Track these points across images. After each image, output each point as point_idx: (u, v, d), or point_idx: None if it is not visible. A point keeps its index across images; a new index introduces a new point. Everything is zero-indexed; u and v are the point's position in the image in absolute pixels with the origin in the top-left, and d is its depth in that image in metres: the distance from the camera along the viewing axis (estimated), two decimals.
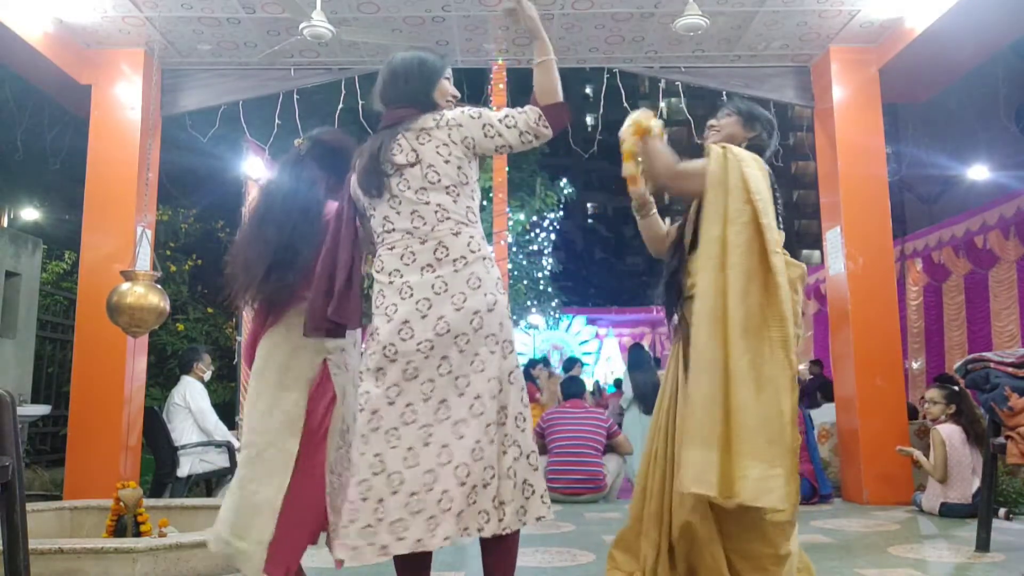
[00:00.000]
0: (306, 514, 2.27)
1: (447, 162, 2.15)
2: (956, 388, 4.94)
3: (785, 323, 2.29)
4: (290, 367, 2.34)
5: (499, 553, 2.12)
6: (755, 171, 2.41)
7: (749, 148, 2.58)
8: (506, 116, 2.20)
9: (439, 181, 2.14)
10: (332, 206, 2.42)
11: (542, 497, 2.14)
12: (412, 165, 2.14)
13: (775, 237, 2.34)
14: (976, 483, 4.44)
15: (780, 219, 2.48)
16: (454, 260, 2.11)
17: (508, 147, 2.20)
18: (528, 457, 2.14)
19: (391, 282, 2.13)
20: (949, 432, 4.66)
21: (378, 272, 2.19)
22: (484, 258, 2.15)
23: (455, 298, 2.08)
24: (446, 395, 2.06)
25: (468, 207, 2.18)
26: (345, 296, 2.17)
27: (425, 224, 2.13)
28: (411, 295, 2.09)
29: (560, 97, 2.21)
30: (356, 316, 2.19)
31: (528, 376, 9.58)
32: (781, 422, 2.23)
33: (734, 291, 2.30)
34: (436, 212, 2.14)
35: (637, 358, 7.24)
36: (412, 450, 2.02)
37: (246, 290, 2.36)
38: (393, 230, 2.17)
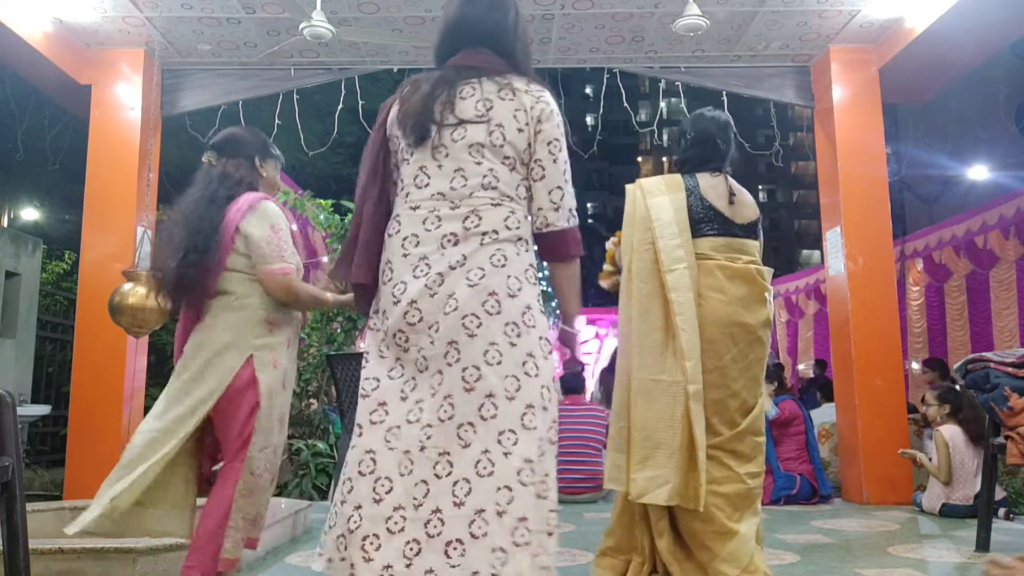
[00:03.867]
0: (211, 518, 2.38)
1: (520, 131, 1.81)
2: (949, 386, 4.92)
3: (680, 334, 2.54)
4: (212, 363, 2.42)
5: None
6: (658, 197, 2.73)
7: (679, 163, 2.91)
8: (568, 171, 1.89)
9: (502, 146, 1.79)
10: (246, 196, 2.54)
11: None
12: (479, 119, 1.80)
13: (672, 255, 2.62)
14: (979, 484, 4.44)
15: (717, 224, 2.72)
16: (483, 233, 1.74)
17: (543, 175, 1.84)
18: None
19: (405, 254, 1.77)
20: (952, 433, 4.64)
21: (391, 236, 1.83)
22: (519, 239, 1.79)
23: (471, 273, 1.71)
24: (451, 390, 1.68)
25: (522, 182, 1.83)
26: (360, 252, 1.87)
27: (465, 186, 1.77)
28: (426, 272, 1.74)
29: (572, 254, 1.93)
30: (371, 276, 1.87)
31: None
32: (672, 426, 2.52)
33: (636, 313, 2.65)
34: (484, 177, 1.77)
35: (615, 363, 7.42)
36: (408, 454, 1.68)
37: (167, 283, 2.49)
38: (426, 186, 1.80)
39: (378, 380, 1.78)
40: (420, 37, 5.33)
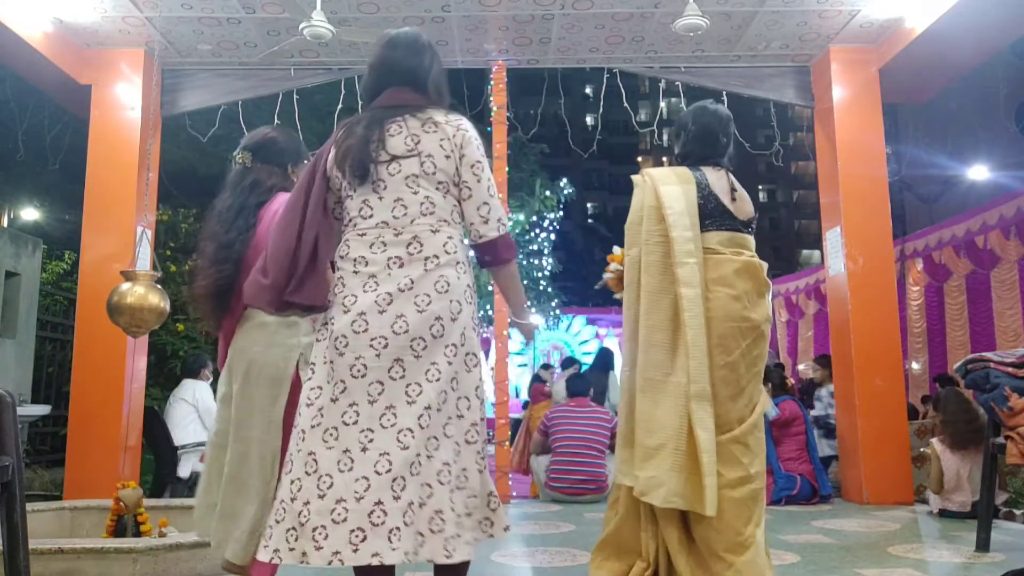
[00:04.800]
0: None
1: (447, 157, 2.04)
2: (938, 393, 4.91)
3: (688, 331, 2.48)
4: (273, 361, 2.40)
5: None
6: (671, 187, 2.64)
7: (679, 157, 2.85)
8: (493, 186, 2.10)
9: (433, 174, 2.03)
10: (279, 198, 2.48)
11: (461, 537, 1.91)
12: (409, 153, 2.03)
13: (685, 248, 2.54)
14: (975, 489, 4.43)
15: (721, 218, 2.67)
16: (426, 259, 1.98)
17: (470, 195, 2.06)
18: (482, 474, 2.03)
19: (355, 271, 2.00)
20: (943, 447, 4.64)
21: (342, 258, 2.04)
22: (458, 263, 2.02)
23: (419, 299, 1.95)
24: (394, 401, 1.90)
25: (455, 207, 2.07)
26: (308, 275, 2.03)
27: (406, 215, 2.00)
28: (375, 288, 1.96)
29: (501, 259, 2.11)
30: (320, 296, 2.04)
31: (537, 377, 9.64)
32: (675, 426, 2.45)
33: (644, 308, 2.57)
34: (422, 204, 2.01)
35: (604, 361, 7.30)
36: (348, 453, 1.87)
37: (198, 295, 2.45)
38: (371, 216, 2.02)
39: (320, 388, 1.97)
40: None
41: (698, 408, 2.44)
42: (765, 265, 2.75)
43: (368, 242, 2.01)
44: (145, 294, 4.04)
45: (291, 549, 1.84)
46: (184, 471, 5.07)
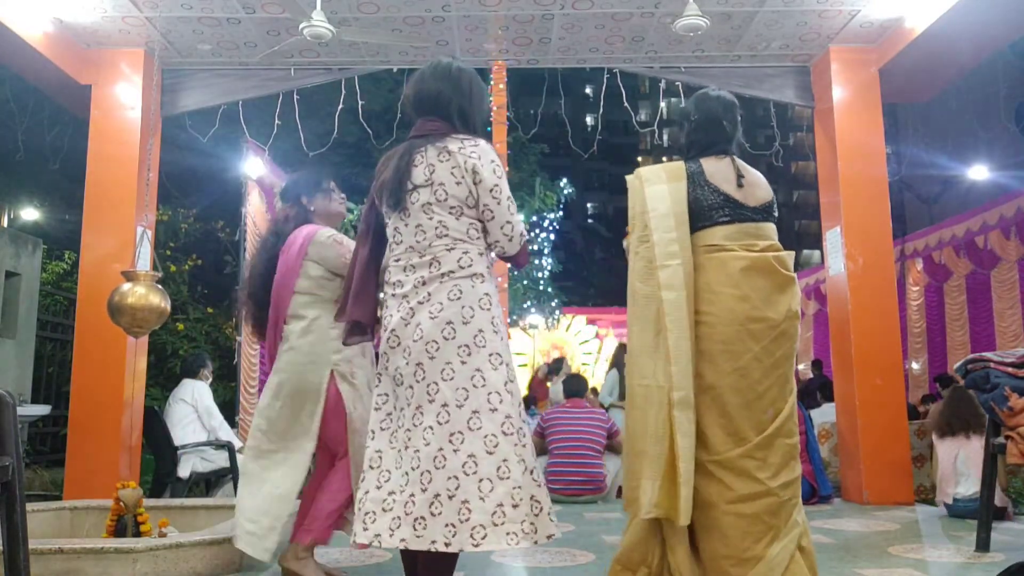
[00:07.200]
0: (334, 500, 2.77)
1: (458, 184, 2.20)
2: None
3: (669, 336, 2.39)
4: (305, 379, 2.80)
5: (434, 565, 2.12)
6: (657, 187, 2.56)
7: (684, 147, 2.75)
8: (512, 204, 2.29)
9: (445, 200, 2.20)
10: (303, 230, 2.92)
11: (550, 515, 2.14)
12: (426, 182, 2.21)
13: (666, 251, 2.46)
14: (945, 480, 4.52)
15: (729, 210, 2.54)
16: (442, 274, 2.18)
17: (492, 217, 2.24)
18: (532, 472, 2.13)
19: (393, 294, 2.26)
20: (936, 437, 4.71)
21: (386, 282, 2.31)
22: (473, 275, 2.20)
23: (433, 307, 2.16)
24: (420, 401, 2.13)
25: (471, 224, 2.24)
26: (354, 296, 2.37)
27: (425, 239, 2.22)
28: (404, 307, 2.21)
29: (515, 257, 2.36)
30: (366, 315, 2.38)
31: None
32: (654, 434, 2.38)
33: (635, 316, 2.52)
34: (436, 228, 2.21)
35: (618, 358, 7.28)
36: (400, 452, 2.16)
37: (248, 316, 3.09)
38: (401, 241, 2.27)
39: (387, 395, 2.26)
40: (420, 37, 5.33)
41: (680, 415, 2.34)
42: (787, 256, 2.59)
43: (402, 266, 2.25)
44: (146, 294, 4.05)
45: (355, 528, 2.17)
46: (184, 471, 5.07)
